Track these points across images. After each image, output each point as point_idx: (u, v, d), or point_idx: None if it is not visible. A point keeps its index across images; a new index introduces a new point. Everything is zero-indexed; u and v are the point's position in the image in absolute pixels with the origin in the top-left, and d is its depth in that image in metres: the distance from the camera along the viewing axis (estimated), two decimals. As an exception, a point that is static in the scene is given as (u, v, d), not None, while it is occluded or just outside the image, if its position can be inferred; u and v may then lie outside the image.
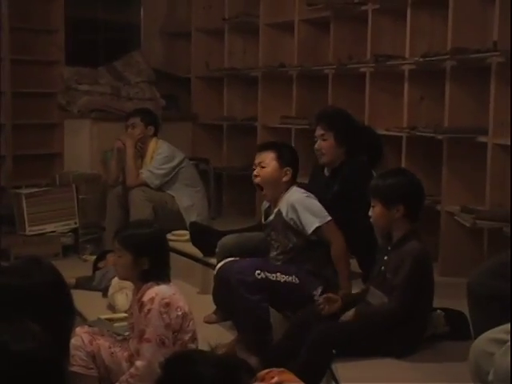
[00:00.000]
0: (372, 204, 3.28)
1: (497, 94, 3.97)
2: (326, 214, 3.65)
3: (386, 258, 3.23)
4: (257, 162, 3.81)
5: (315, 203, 3.68)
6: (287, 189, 3.76)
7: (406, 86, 4.67)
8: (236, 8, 6.39)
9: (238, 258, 4.00)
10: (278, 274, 3.61)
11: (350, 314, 3.20)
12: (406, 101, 4.67)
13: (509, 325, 2.13)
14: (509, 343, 1.95)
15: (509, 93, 3.88)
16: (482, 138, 4.12)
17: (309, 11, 5.51)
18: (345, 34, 5.33)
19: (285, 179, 3.75)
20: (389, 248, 3.25)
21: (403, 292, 3.10)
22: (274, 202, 3.81)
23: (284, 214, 3.70)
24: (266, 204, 3.95)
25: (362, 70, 4.98)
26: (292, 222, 3.68)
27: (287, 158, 3.78)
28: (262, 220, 3.96)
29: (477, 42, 4.11)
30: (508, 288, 2.56)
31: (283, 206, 3.72)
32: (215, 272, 3.98)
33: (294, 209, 3.67)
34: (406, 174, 3.40)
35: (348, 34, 5.32)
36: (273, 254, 3.83)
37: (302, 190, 3.75)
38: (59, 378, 1.75)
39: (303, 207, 3.66)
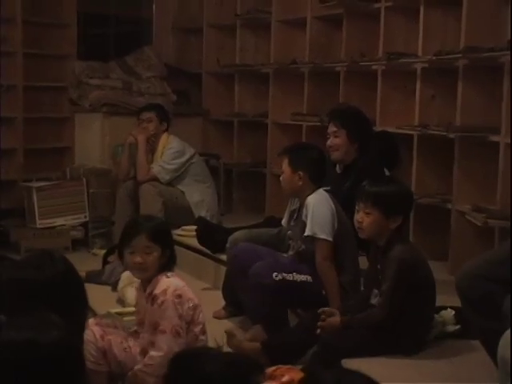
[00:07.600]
0: (367, 211, 3.18)
1: (509, 94, 3.96)
2: (328, 232, 3.50)
3: (379, 266, 3.21)
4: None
5: (326, 215, 3.53)
6: (311, 192, 3.63)
7: (418, 84, 4.66)
8: (248, 4, 6.39)
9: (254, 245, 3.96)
10: (294, 273, 3.55)
11: (334, 319, 3.18)
12: (417, 99, 4.65)
13: None
14: None
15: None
16: (493, 137, 4.11)
17: (321, 8, 5.50)
18: (357, 31, 5.31)
19: (300, 183, 3.64)
20: (378, 257, 3.22)
21: (389, 299, 3.08)
22: (300, 206, 3.72)
23: (303, 216, 3.62)
24: (292, 205, 3.86)
25: (374, 67, 4.97)
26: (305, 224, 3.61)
27: (298, 161, 3.66)
28: (285, 221, 3.89)
29: (490, 41, 4.10)
30: (498, 289, 2.56)
31: (304, 208, 3.63)
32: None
33: (306, 209, 3.58)
34: (403, 184, 3.38)
35: (360, 32, 5.31)
36: (289, 253, 3.79)
37: (326, 195, 3.62)
38: (82, 364, 1.78)
39: (313, 212, 3.55)
